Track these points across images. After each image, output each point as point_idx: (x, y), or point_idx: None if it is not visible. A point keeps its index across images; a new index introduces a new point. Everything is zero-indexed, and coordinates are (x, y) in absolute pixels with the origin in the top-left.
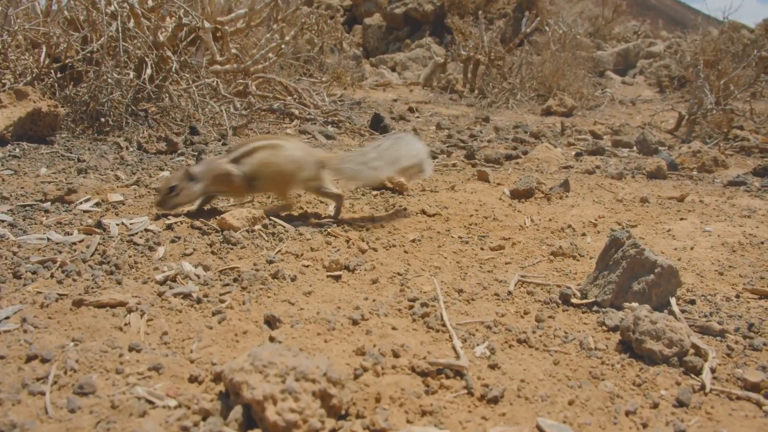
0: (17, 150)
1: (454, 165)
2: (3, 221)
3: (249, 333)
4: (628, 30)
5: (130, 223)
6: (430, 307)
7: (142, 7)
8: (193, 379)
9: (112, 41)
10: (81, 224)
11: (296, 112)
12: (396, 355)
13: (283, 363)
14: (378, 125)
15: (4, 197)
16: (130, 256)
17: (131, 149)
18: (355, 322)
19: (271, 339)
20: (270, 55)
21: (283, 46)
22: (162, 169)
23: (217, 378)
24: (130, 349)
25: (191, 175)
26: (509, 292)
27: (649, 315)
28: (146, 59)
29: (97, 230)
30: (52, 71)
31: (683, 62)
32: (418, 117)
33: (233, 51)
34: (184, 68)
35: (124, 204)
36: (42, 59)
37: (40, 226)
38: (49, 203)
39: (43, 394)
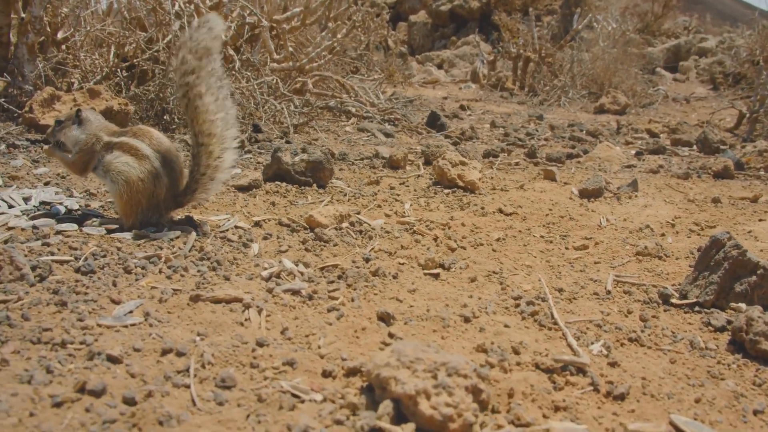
0: None
1: (517, 164)
2: (99, 217)
3: (367, 329)
4: (678, 25)
5: (218, 220)
6: (537, 306)
7: (205, 5)
8: (327, 374)
9: (177, 40)
10: (170, 220)
11: (353, 109)
12: (516, 352)
13: (429, 359)
14: (435, 123)
15: (92, 194)
16: (228, 253)
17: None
18: (467, 320)
19: (390, 336)
20: (324, 53)
21: (336, 45)
22: (233, 167)
23: (350, 373)
24: (258, 344)
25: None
26: (608, 292)
27: (763, 316)
28: None
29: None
30: (119, 70)
31: (738, 58)
32: (470, 115)
33: (290, 49)
34: (244, 66)
35: (207, 200)
36: (111, 59)
37: None
38: None
39: (187, 386)
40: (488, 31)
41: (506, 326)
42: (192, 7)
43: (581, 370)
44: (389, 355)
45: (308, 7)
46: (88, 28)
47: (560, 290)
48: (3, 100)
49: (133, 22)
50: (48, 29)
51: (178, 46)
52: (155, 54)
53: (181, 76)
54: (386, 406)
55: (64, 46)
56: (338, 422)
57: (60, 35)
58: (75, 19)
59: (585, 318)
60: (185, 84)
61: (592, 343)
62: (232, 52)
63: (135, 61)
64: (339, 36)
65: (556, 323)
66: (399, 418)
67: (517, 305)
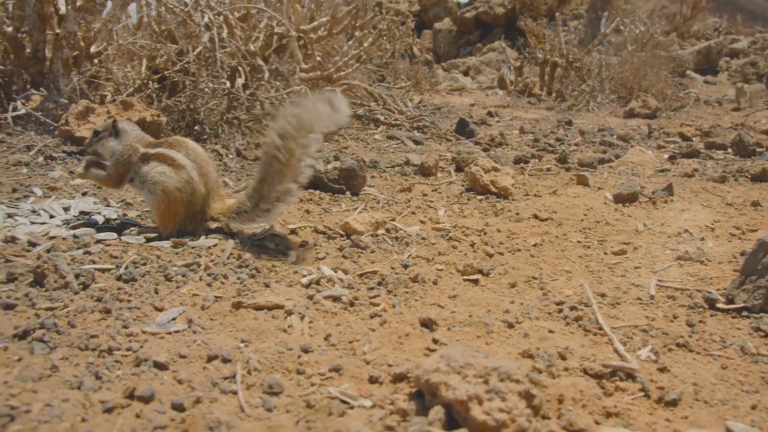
0: None
1: (548, 169)
2: (137, 226)
3: (411, 335)
4: (707, 27)
5: (254, 228)
6: (580, 311)
7: (233, 15)
8: (373, 380)
9: (206, 51)
10: (208, 228)
11: (381, 117)
12: (563, 358)
13: (479, 364)
14: (464, 130)
15: (128, 203)
16: (266, 260)
17: (230, 156)
18: (510, 325)
19: (434, 341)
20: (352, 62)
21: (363, 53)
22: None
23: (397, 379)
24: (303, 351)
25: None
26: (652, 297)
27: None
28: (239, 68)
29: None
30: (149, 82)
31: None
32: (498, 121)
33: (318, 59)
34: (274, 76)
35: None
36: (143, 71)
37: None
38: None
39: (234, 392)
40: (514, 37)
41: (551, 332)
42: (221, 18)
43: (630, 375)
44: (438, 361)
45: (335, 17)
46: (121, 42)
47: (602, 295)
48: (39, 113)
49: (163, 34)
50: (81, 44)
51: (290, 111)
52: (185, 66)
53: (278, 138)
54: (437, 412)
55: (97, 60)
56: (389, 428)
57: (93, 49)
58: (107, 34)
59: (630, 323)
60: (281, 148)
61: (640, 349)
62: (261, 62)
63: (166, 72)
64: (365, 45)
65: (601, 328)
66: (450, 424)
67: (560, 310)
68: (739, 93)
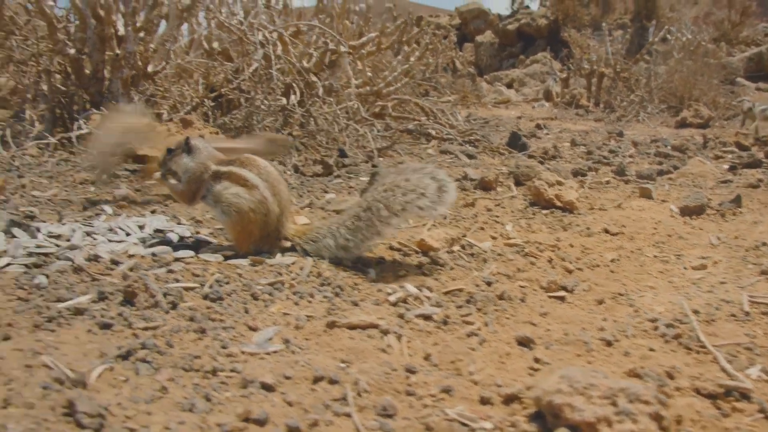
0: None
1: (607, 182)
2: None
3: (511, 355)
4: (757, 32)
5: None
6: (678, 328)
7: (286, 32)
8: (484, 402)
9: (261, 68)
10: (283, 246)
11: (433, 132)
12: (671, 377)
13: (603, 385)
14: (516, 143)
15: (198, 221)
16: (347, 278)
17: (289, 172)
18: (608, 344)
19: (536, 360)
20: (401, 76)
21: (410, 68)
22: (326, 192)
23: (509, 400)
24: (408, 371)
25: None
26: (747, 313)
27: None
28: (294, 84)
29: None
30: (205, 100)
31: None
32: (547, 134)
33: (368, 74)
34: (327, 92)
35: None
36: (200, 89)
37: None
38: None
39: (347, 415)
40: (557, 49)
41: (651, 350)
42: (275, 35)
43: (745, 395)
44: (558, 382)
45: (383, 32)
46: (178, 61)
47: (695, 312)
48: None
49: (214, 52)
50: (139, 63)
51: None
52: (240, 83)
53: (383, 203)
54: None
55: (154, 79)
56: None
57: (150, 68)
58: (165, 53)
59: (731, 341)
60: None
61: (748, 368)
62: (315, 78)
63: (222, 91)
64: (412, 59)
65: (703, 346)
66: None
67: (656, 328)
68: None
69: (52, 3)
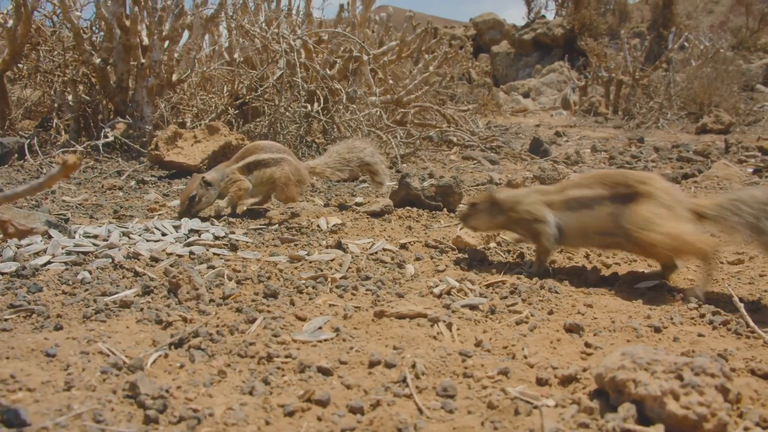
0: None
1: None
2: (249, 243)
3: (562, 340)
4: None
5: (364, 243)
6: (725, 315)
7: (311, 40)
8: (542, 383)
9: (286, 76)
10: (319, 244)
11: (454, 139)
12: (725, 359)
13: (666, 360)
14: (538, 149)
15: (230, 222)
16: (386, 272)
17: (315, 177)
18: (657, 330)
19: (587, 345)
20: (421, 84)
21: (430, 77)
22: (354, 195)
23: (566, 380)
24: (463, 355)
25: (208, 183)
26: None
27: None
28: (318, 92)
29: (339, 250)
30: (229, 108)
31: None
32: (567, 141)
33: (390, 82)
34: (350, 99)
35: (345, 225)
36: (224, 96)
37: (281, 248)
38: (276, 225)
39: (408, 396)
40: (573, 58)
41: (700, 335)
42: (299, 43)
43: None
44: (621, 359)
45: (404, 41)
46: (203, 69)
47: (740, 300)
48: (127, 140)
49: (235, 61)
50: (163, 72)
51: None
52: (265, 90)
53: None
54: (628, 409)
55: (179, 88)
56: (583, 425)
57: (174, 77)
58: (190, 62)
59: None
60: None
61: None
62: (338, 86)
63: (246, 98)
64: (431, 68)
65: (753, 332)
66: (641, 420)
67: (702, 315)
68: None
69: (78, 14)
